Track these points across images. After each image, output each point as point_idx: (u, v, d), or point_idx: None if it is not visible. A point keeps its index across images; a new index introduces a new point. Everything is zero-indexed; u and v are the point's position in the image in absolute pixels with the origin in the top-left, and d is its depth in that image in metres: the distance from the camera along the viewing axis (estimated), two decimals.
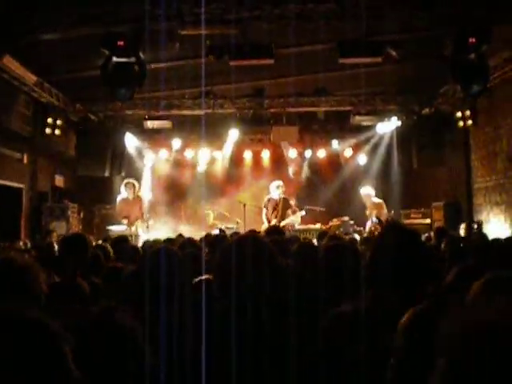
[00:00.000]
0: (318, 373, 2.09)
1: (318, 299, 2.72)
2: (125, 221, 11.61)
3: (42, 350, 1.00)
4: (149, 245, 6.79)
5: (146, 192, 14.90)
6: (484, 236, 7.38)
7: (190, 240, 5.24)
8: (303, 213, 12.01)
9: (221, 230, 11.45)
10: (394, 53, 8.78)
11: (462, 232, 11.20)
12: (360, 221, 13.54)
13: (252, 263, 2.11)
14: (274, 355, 2.00)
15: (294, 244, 4.26)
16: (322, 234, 7.59)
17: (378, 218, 11.68)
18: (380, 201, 12.74)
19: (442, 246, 5.42)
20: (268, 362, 1.95)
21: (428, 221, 13.74)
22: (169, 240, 6.03)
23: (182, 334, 2.21)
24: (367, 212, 12.74)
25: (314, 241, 7.81)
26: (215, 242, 5.63)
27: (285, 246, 3.70)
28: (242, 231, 11.29)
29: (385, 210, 12.51)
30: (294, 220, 11.96)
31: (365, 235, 10.65)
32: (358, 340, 1.88)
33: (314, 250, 3.77)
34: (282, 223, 11.33)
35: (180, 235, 7.12)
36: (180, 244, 4.74)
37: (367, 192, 12.80)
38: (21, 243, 10.39)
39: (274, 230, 5.07)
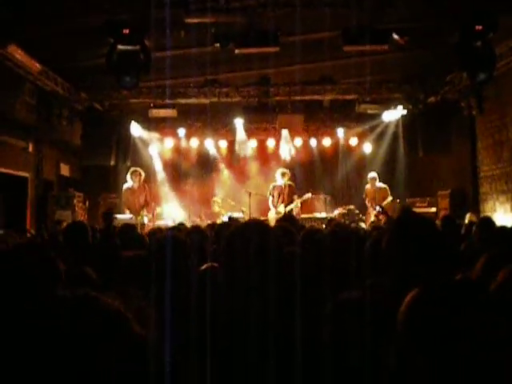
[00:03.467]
0: (324, 360, 2.10)
1: (324, 286, 2.72)
2: (127, 211, 11.64)
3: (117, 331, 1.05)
4: (153, 232, 6.80)
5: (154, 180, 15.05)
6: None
7: (197, 227, 5.25)
8: (309, 195, 11.98)
9: (230, 217, 11.44)
10: (400, 40, 8.73)
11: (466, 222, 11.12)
12: (365, 209, 13.55)
13: (257, 250, 2.11)
14: (280, 343, 2.00)
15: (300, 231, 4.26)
16: (331, 222, 7.53)
17: (380, 206, 11.67)
18: (384, 186, 12.86)
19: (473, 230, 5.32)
20: (273, 349, 1.95)
21: (434, 209, 13.69)
22: (175, 227, 6.04)
23: (187, 320, 2.22)
24: (366, 200, 12.84)
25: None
26: (221, 230, 5.62)
27: (293, 235, 3.70)
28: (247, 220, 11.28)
29: (389, 197, 12.60)
30: (303, 200, 11.94)
31: (372, 224, 10.61)
32: (368, 328, 1.88)
33: (320, 237, 3.77)
34: (288, 208, 11.31)
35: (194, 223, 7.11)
36: (186, 231, 4.75)
37: (373, 175, 12.90)
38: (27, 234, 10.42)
39: (288, 219, 5.06)
